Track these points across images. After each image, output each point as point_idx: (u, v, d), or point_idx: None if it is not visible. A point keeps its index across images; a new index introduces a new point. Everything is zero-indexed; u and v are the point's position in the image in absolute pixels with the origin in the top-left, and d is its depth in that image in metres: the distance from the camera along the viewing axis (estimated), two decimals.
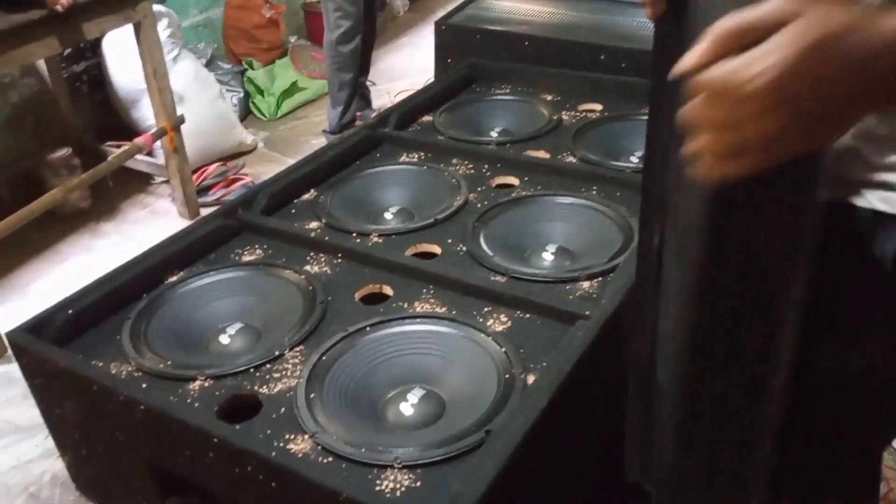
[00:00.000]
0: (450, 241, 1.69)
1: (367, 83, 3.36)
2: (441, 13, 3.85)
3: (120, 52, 2.76)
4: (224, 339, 1.45)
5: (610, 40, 2.58)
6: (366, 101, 3.32)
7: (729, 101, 0.44)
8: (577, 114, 2.27)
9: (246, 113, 3.42)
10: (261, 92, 3.41)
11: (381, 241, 1.71)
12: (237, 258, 1.67)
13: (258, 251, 1.69)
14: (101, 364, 1.36)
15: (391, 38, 4.30)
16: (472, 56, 2.61)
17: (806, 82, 0.42)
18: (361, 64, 3.10)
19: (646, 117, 2.39)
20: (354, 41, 2.95)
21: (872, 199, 0.68)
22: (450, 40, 2.81)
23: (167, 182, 2.76)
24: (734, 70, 0.43)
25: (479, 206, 1.82)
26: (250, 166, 3.02)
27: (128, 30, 2.37)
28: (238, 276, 1.59)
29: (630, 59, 2.47)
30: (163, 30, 2.64)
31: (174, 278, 1.59)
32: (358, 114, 3.18)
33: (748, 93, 0.43)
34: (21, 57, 2.03)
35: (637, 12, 2.84)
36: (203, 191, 2.79)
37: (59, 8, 1.97)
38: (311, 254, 1.67)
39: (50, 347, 1.37)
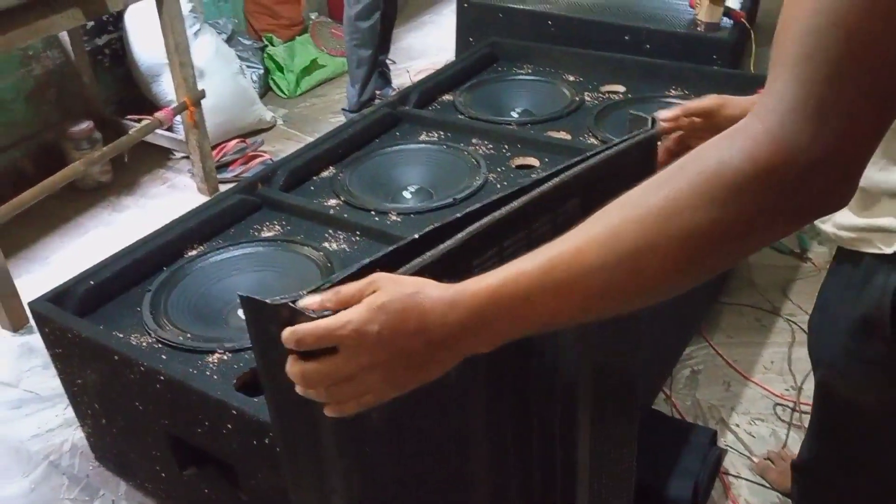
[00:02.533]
0: (461, 213, 1.68)
1: (388, 61, 3.34)
2: None
3: (142, 26, 2.76)
4: (242, 314, 1.45)
5: (634, 21, 2.55)
6: (385, 80, 3.30)
7: (329, 343, 0.57)
8: (600, 95, 2.24)
9: (265, 90, 3.42)
10: (280, 69, 3.41)
11: (399, 219, 1.71)
12: (256, 233, 1.68)
13: (277, 227, 1.70)
14: (121, 335, 1.37)
15: (412, 15, 4.27)
16: (493, 35, 2.58)
17: (375, 328, 0.56)
18: (381, 41, 3.08)
19: (670, 100, 2.36)
20: (374, 17, 2.93)
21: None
22: (472, 18, 2.78)
23: (187, 157, 2.77)
24: (333, 321, 0.57)
25: (498, 186, 1.80)
26: (269, 143, 3.02)
27: (150, 3, 2.36)
28: (257, 251, 1.59)
29: (654, 40, 2.44)
30: (184, 4, 2.63)
31: (194, 252, 1.60)
32: (378, 92, 3.17)
33: (340, 336, 0.56)
34: (45, 28, 2.04)
35: None
36: (222, 167, 2.80)
37: None
38: (330, 231, 1.67)
39: (72, 317, 1.39)
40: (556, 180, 0.73)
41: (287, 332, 0.57)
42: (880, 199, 0.86)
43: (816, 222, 0.88)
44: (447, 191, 1.81)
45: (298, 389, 0.59)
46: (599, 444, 0.96)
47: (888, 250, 0.86)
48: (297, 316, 0.58)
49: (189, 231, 1.62)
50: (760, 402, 1.82)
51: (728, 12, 2.44)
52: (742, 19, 2.45)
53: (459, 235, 0.65)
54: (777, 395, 1.83)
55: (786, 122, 0.49)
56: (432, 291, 0.57)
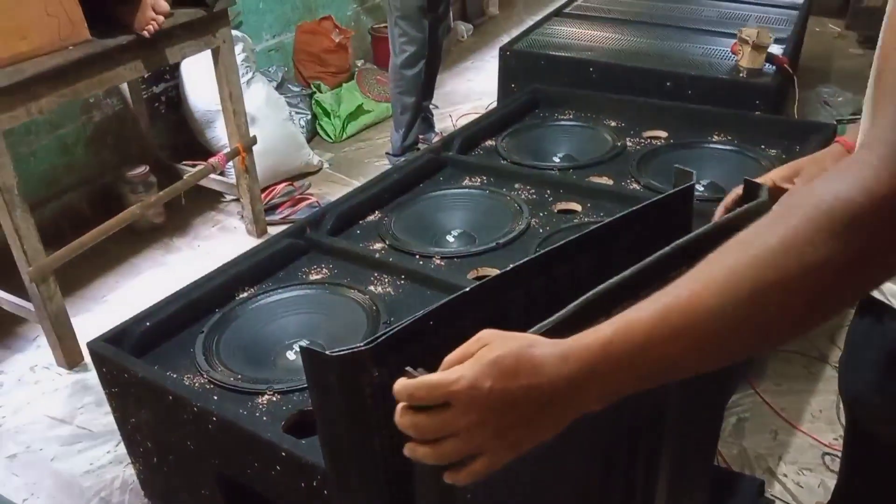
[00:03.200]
0: (511, 265, 1.70)
1: (431, 107, 3.41)
2: (504, 38, 3.91)
3: (197, 74, 2.88)
4: (291, 356, 1.49)
5: (676, 67, 2.57)
6: (429, 125, 3.37)
7: (441, 399, 0.56)
8: (642, 140, 2.26)
9: (312, 134, 3.52)
10: (327, 114, 3.51)
11: (443, 263, 1.74)
12: (304, 276, 1.72)
13: (324, 270, 1.74)
14: (175, 375, 1.42)
15: (455, 62, 4.37)
16: (535, 81, 2.63)
17: (488, 384, 0.55)
18: (425, 88, 3.16)
19: (712, 145, 2.36)
20: (418, 66, 3.01)
21: None
22: (514, 65, 2.84)
23: (237, 200, 2.86)
24: (446, 376, 0.56)
25: (540, 231, 1.83)
26: (316, 186, 3.10)
27: (205, 53, 2.47)
28: (305, 294, 1.63)
29: (696, 86, 2.46)
30: (238, 54, 2.74)
31: (245, 294, 1.65)
32: (421, 137, 3.24)
33: (453, 392, 0.55)
34: (109, 79, 2.15)
35: (704, 39, 2.82)
36: (270, 209, 2.88)
37: (146, 33, 2.08)
38: (376, 274, 1.70)
39: (128, 357, 1.44)
40: (669, 249, 0.73)
41: (399, 386, 0.57)
42: None
43: None
44: (490, 235, 1.84)
45: (407, 451, 0.58)
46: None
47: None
48: (359, 368, 0.60)
49: (240, 274, 1.68)
50: (809, 452, 1.78)
51: (771, 58, 2.45)
52: (785, 65, 2.46)
53: (572, 306, 0.65)
54: (825, 445, 1.79)
55: None
56: (544, 346, 0.57)
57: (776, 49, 2.55)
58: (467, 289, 0.72)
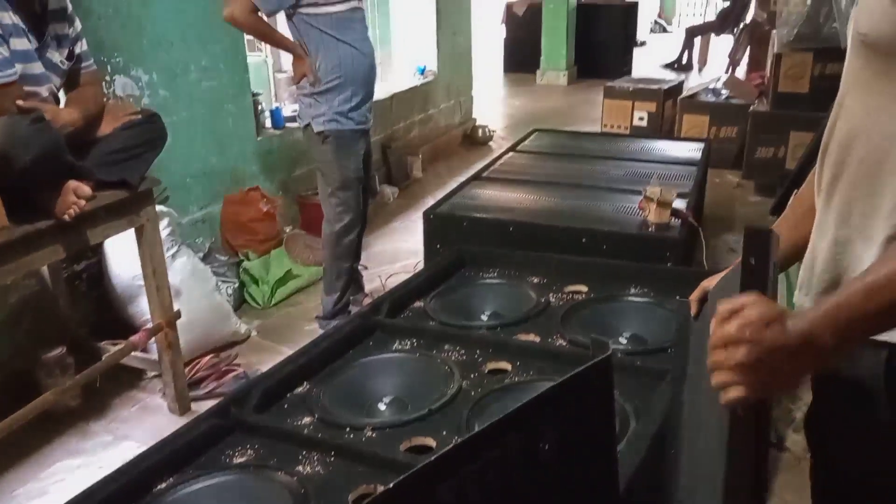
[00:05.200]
0: (444, 433, 1.67)
1: (360, 268, 3.46)
2: (429, 199, 4.08)
3: (119, 248, 2.86)
4: None
5: (590, 224, 2.72)
6: (358, 286, 3.40)
7: (727, 343, 0.85)
8: (564, 295, 2.32)
9: (240, 302, 3.49)
10: (255, 281, 3.50)
11: (374, 435, 1.69)
12: (228, 460, 1.63)
13: (249, 452, 1.66)
14: None
15: (383, 223, 4.49)
16: (459, 242, 2.72)
17: (747, 331, 0.84)
18: (356, 252, 3.22)
19: (630, 298, 2.49)
20: (354, 232, 3.09)
21: None
22: (438, 228, 2.94)
23: (159, 376, 2.75)
24: (732, 327, 0.85)
25: (472, 393, 1.81)
26: (243, 356, 3.03)
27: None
28: (227, 480, 1.54)
29: (610, 241, 2.59)
30: (163, 229, 2.75)
31: (163, 485, 1.55)
32: (350, 298, 3.25)
33: (730, 336, 0.84)
34: (26, 265, 2.10)
35: (613, 197, 3.01)
36: (195, 383, 2.78)
37: (66, 218, 2.07)
38: (304, 452, 1.63)
39: None
40: None
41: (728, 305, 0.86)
42: None
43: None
44: (422, 400, 1.81)
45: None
46: None
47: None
48: None
49: (158, 463, 1.58)
50: None
51: (676, 212, 2.62)
52: (689, 218, 2.63)
53: None
54: None
55: None
56: (791, 315, 0.84)
57: (680, 203, 2.73)
58: (391, 485, 0.70)
